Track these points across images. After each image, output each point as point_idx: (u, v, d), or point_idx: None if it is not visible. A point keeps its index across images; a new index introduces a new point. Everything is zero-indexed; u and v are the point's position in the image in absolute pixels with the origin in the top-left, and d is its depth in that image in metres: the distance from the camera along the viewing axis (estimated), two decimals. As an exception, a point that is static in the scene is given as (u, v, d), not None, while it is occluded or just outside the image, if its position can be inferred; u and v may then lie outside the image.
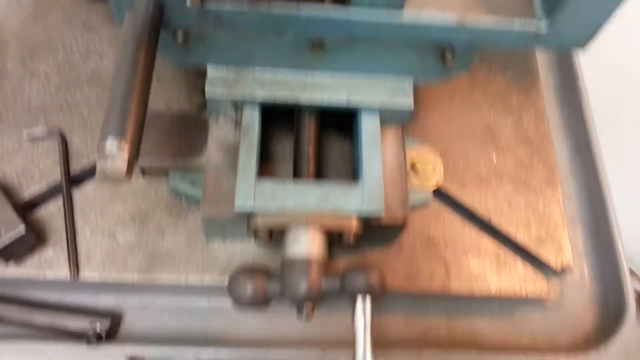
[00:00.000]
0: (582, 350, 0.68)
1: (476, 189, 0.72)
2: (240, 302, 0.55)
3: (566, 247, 0.69)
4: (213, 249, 0.65)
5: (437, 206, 0.71)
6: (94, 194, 0.67)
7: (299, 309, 0.54)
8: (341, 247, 0.63)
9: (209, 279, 0.63)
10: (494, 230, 0.70)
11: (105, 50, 0.76)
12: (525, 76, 0.84)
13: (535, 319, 0.71)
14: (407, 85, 0.62)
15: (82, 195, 0.66)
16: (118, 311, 0.65)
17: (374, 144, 0.61)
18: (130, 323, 0.65)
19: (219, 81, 0.60)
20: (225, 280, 0.60)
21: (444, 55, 0.57)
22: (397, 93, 0.62)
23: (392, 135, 0.65)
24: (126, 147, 0.42)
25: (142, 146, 0.61)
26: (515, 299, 0.68)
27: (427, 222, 0.69)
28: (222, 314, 0.67)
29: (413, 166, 0.68)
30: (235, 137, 0.63)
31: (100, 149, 0.42)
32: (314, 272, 0.54)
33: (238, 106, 0.62)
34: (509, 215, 0.71)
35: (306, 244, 0.55)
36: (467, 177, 0.73)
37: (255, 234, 0.57)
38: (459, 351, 0.65)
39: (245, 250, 0.65)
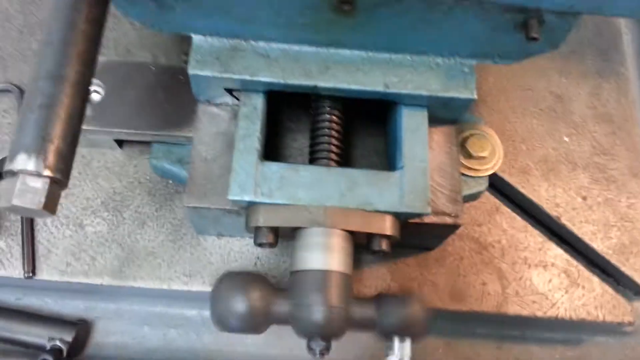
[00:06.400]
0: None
1: (542, 178, 0.57)
2: (224, 326, 0.40)
3: (656, 257, 0.54)
4: (204, 246, 0.51)
5: (492, 201, 0.55)
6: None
7: (310, 345, 0.39)
8: (366, 254, 0.48)
9: (198, 286, 0.49)
10: (564, 233, 0.55)
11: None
12: (605, 33, 0.66)
13: (609, 346, 0.56)
14: (468, 70, 0.45)
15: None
16: (86, 320, 0.52)
17: (418, 127, 0.45)
18: (102, 336, 0.52)
19: (208, 56, 0.43)
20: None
21: (526, 26, 0.39)
22: (453, 80, 0.44)
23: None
24: (47, 171, 0.29)
25: (119, 110, 0.48)
26: (584, 324, 0.53)
27: (479, 222, 0.54)
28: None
29: (465, 148, 0.52)
30: (230, 126, 0.48)
31: (8, 173, 0.29)
32: (335, 291, 0.39)
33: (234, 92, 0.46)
34: (583, 214, 0.56)
35: (324, 251, 0.41)
36: (530, 164, 0.57)
37: (255, 234, 0.43)
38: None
39: (246, 249, 0.51)
